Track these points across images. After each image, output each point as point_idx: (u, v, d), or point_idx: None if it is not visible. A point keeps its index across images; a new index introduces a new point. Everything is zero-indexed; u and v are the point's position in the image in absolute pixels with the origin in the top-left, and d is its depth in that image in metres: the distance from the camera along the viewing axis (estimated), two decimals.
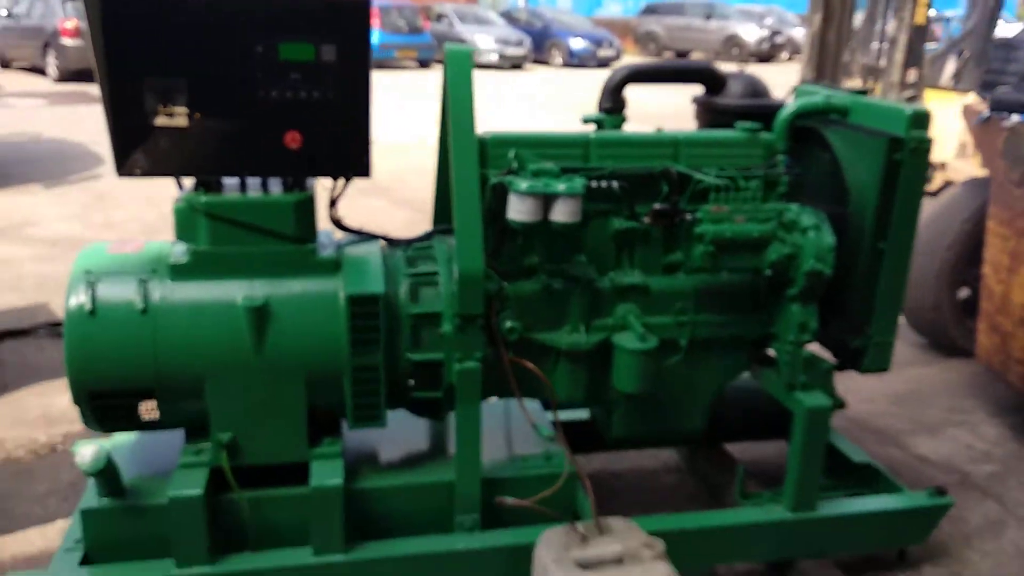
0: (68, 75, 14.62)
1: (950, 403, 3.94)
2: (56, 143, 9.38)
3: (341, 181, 2.33)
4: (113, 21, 2.00)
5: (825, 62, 5.66)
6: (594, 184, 2.32)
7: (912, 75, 5.24)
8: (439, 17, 22.78)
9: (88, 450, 2.14)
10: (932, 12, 7.41)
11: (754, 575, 2.68)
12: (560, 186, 2.19)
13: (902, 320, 4.47)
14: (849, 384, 4.00)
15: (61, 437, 3.28)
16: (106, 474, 2.20)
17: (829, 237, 2.35)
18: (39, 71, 15.42)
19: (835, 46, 5.59)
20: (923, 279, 4.29)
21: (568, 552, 2.12)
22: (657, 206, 2.38)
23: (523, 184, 2.18)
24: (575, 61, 21.93)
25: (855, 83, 5.62)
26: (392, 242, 2.47)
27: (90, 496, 2.28)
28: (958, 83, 5.75)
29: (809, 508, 2.55)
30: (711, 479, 3.04)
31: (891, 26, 5.22)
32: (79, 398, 2.19)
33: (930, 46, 6.45)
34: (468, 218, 2.21)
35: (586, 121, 2.57)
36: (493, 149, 2.34)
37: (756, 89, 2.67)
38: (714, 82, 2.68)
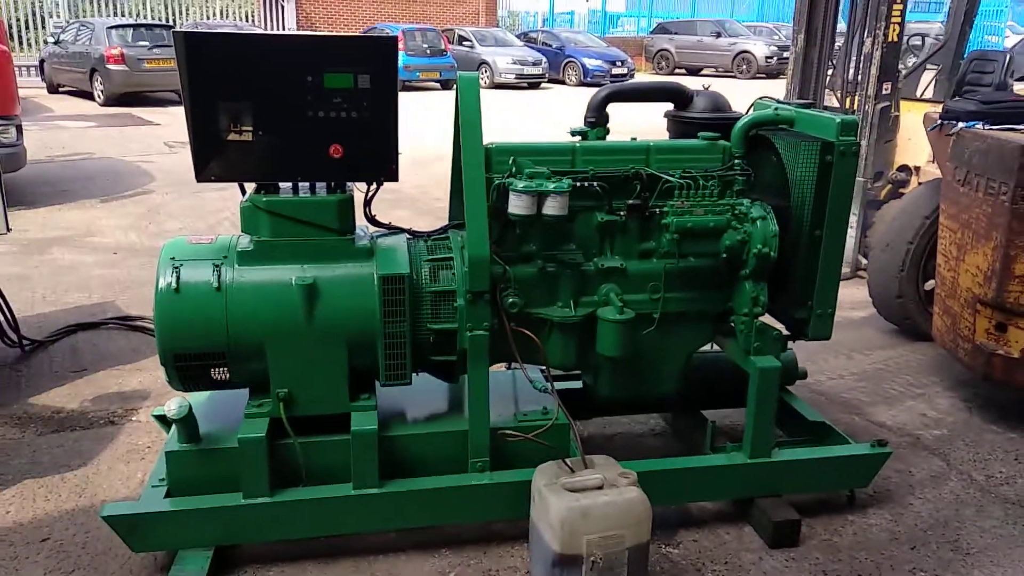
0: (113, 99, 15.42)
1: (911, 379, 4.41)
2: (108, 161, 10.11)
3: (374, 185, 2.87)
4: (195, 58, 2.56)
5: (808, 78, 6.16)
6: (578, 184, 2.84)
7: (886, 88, 5.72)
8: (460, 40, 23.48)
9: (174, 402, 2.69)
10: (922, 25, 7.88)
11: (721, 514, 3.15)
12: (550, 186, 2.72)
13: (872, 309, 4.97)
14: (821, 364, 4.50)
15: (135, 410, 3.84)
16: (187, 422, 2.74)
17: (774, 225, 2.86)
18: (86, 95, 16.24)
19: (817, 63, 6.10)
20: (889, 270, 4.77)
21: (558, 480, 2.63)
22: (631, 202, 2.90)
23: (520, 184, 2.71)
24: (590, 80, 22.54)
25: (835, 97, 6.10)
26: (415, 234, 3.01)
27: (172, 441, 2.82)
28: (933, 95, 6.23)
29: (765, 454, 3.03)
30: (690, 440, 3.53)
31: (867, 43, 5.70)
32: (166, 360, 2.72)
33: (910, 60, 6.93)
34: (476, 213, 2.73)
35: (573, 133, 3.10)
36: (496, 156, 2.86)
37: (717, 104, 3.19)
38: (682, 99, 3.20)
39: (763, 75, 24.26)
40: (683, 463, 3.05)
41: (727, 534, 3.04)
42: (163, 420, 3.01)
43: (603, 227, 2.96)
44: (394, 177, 2.79)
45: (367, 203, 2.92)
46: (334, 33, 18.69)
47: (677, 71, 26.31)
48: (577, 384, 3.47)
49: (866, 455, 3.13)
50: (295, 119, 2.64)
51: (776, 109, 3.08)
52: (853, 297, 5.60)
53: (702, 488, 3.07)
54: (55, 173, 9.32)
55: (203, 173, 2.67)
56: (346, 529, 2.84)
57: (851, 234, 6.01)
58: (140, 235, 6.85)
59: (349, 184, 2.87)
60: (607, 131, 3.15)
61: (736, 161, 3.01)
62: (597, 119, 3.12)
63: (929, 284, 4.79)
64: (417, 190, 8.53)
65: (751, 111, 3.19)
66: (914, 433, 3.83)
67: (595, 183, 2.87)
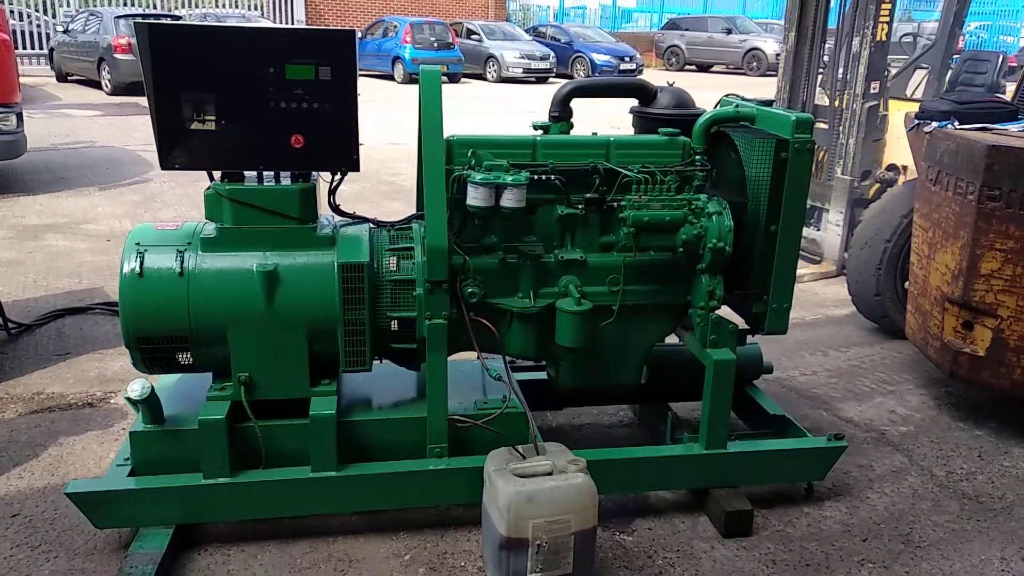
0: (121, 88, 15.57)
1: (884, 376, 4.44)
2: (110, 150, 10.24)
3: (338, 175, 2.93)
4: (158, 48, 2.62)
5: (799, 76, 6.18)
6: (537, 177, 2.88)
7: (875, 87, 5.74)
8: (468, 33, 23.52)
9: (137, 383, 2.76)
10: (914, 25, 7.87)
11: (678, 504, 3.20)
12: (508, 178, 2.77)
13: (853, 308, 4.99)
14: (797, 360, 4.55)
15: (114, 393, 3.92)
16: (150, 403, 2.82)
17: (729, 220, 2.90)
18: (94, 84, 16.40)
19: (808, 62, 6.11)
20: (868, 268, 4.80)
21: (508, 465, 2.68)
22: (589, 196, 2.95)
23: (477, 176, 2.77)
24: (598, 75, 22.53)
25: (825, 95, 6.12)
26: (378, 224, 3.06)
27: (137, 423, 2.89)
28: (923, 95, 6.23)
29: (720, 445, 3.07)
30: (656, 430, 3.58)
31: (855, 42, 5.72)
32: (130, 344, 2.79)
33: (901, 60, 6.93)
34: (435, 204, 2.78)
35: (536, 127, 3.14)
36: (457, 148, 2.91)
37: (680, 101, 3.23)
38: (645, 95, 3.24)
39: (773, 72, 24.07)
40: (639, 452, 3.10)
41: (682, 523, 3.09)
42: (133, 402, 3.07)
43: (563, 220, 3.01)
44: (355, 167, 2.85)
45: (331, 192, 2.98)
46: (294, 26, 18.75)
47: (687, 67, 26.27)
48: (544, 375, 3.53)
49: (822, 448, 3.17)
50: (257, 109, 2.70)
51: (737, 106, 3.12)
52: (837, 295, 5.64)
53: (657, 478, 3.12)
54: (56, 161, 9.44)
55: (167, 161, 2.74)
56: (304, 510, 2.91)
57: (837, 232, 6.05)
58: (134, 223, 6.83)
59: (315, 173, 2.93)
60: (571, 125, 3.20)
61: (696, 157, 3.05)
62: (561, 113, 3.17)
63: (907, 283, 4.81)
64: (413, 182, 8.55)
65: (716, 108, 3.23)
66: (880, 429, 3.87)
67: (554, 176, 2.92)
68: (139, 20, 2.61)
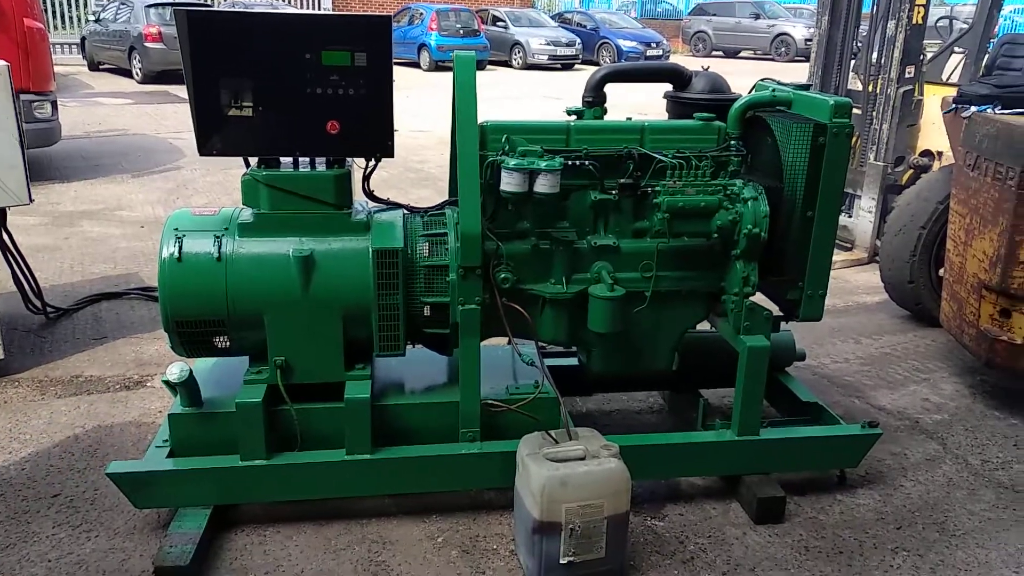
0: (151, 77, 15.70)
1: (917, 364, 4.39)
2: (141, 138, 10.36)
3: (372, 161, 2.94)
4: (197, 36, 2.64)
5: (832, 61, 6.11)
6: (571, 163, 2.88)
7: (910, 71, 5.65)
8: (494, 20, 23.43)
9: (176, 366, 2.81)
10: (947, 9, 7.74)
11: (710, 490, 3.20)
12: (542, 163, 2.77)
13: (886, 295, 4.95)
14: (829, 348, 4.52)
15: (150, 376, 3.98)
16: (188, 387, 2.86)
17: (764, 206, 2.88)
18: (125, 73, 16.57)
19: (841, 46, 6.03)
20: (902, 255, 4.74)
21: (541, 450, 2.70)
22: (623, 181, 2.94)
23: (512, 162, 2.77)
24: (624, 61, 22.37)
25: (859, 80, 6.03)
26: (412, 210, 3.08)
27: (176, 405, 2.94)
28: (960, 79, 6.13)
29: (753, 432, 3.07)
30: (686, 417, 3.57)
31: (890, 26, 5.63)
32: (168, 327, 2.83)
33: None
34: (469, 190, 2.79)
35: (569, 112, 3.14)
36: (491, 134, 2.91)
37: (715, 86, 3.20)
38: (680, 80, 3.22)
39: (802, 58, 23.79)
40: (671, 439, 3.10)
41: (713, 509, 3.09)
42: (171, 385, 3.12)
43: (596, 206, 3.00)
44: (390, 153, 2.86)
45: (365, 178, 2.99)
46: (333, 12, 18.73)
47: (714, 53, 26.00)
48: (574, 361, 3.53)
49: (855, 435, 3.15)
50: (293, 96, 2.72)
51: (773, 91, 3.09)
52: (869, 282, 5.58)
53: (689, 464, 3.11)
54: (90, 148, 9.57)
55: (205, 147, 2.77)
56: (338, 492, 2.95)
57: (869, 219, 5.98)
58: (167, 209, 7.01)
59: (350, 160, 2.95)
60: (604, 111, 3.18)
61: (731, 142, 3.03)
62: (594, 99, 3.16)
63: (942, 270, 4.75)
64: (440, 170, 8.58)
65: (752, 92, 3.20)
66: (914, 417, 3.83)
67: (588, 162, 2.91)
68: (176, 7, 2.63)
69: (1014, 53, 6.55)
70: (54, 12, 20.37)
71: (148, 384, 3.91)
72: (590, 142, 2.96)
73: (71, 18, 20.79)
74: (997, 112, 3.84)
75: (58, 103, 7.94)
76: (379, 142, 2.85)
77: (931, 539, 2.96)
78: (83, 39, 18.76)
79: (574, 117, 3.10)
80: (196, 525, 2.78)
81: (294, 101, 2.73)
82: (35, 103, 7.36)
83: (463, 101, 2.81)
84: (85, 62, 18.44)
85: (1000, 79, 4.65)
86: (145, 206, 7.18)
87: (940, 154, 5.77)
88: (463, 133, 2.81)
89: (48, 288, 4.86)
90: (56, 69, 8.44)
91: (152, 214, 6.90)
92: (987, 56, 6.42)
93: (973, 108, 3.97)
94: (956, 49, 6.45)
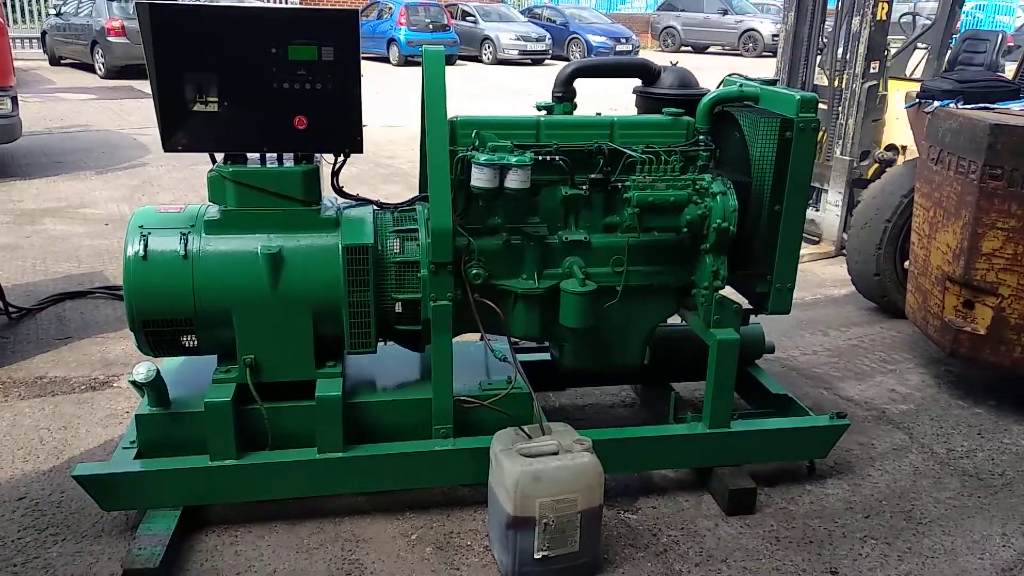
0: (115, 72, 15.40)
1: (883, 356, 4.46)
2: (105, 134, 10.18)
3: (341, 156, 2.91)
4: (160, 29, 2.60)
5: (798, 56, 6.17)
6: (541, 158, 2.88)
7: (874, 67, 5.72)
8: (464, 15, 23.35)
9: (143, 366, 2.76)
10: (910, 5, 7.86)
11: (683, 483, 3.22)
12: (512, 159, 2.76)
13: (852, 288, 5.01)
14: (797, 340, 4.57)
15: (116, 376, 3.92)
16: (155, 386, 2.82)
17: (733, 200, 2.90)
18: (87, 68, 16.25)
19: (807, 41, 6.09)
20: (868, 248, 4.81)
21: (514, 445, 2.70)
22: (593, 176, 2.95)
23: (482, 157, 2.76)
24: (594, 56, 22.40)
25: (824, 75, 6.10)
26: (382, 206, 3.06)
27: (143, 406, 2.89)
28: (923, 75, 6.22)
29: (724, 424, 3.09)
30: (658, 410, 3.60)
31: (855, 22, 5.70)
32: (135, 326, 2.78)
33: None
34: (439, 186, 2.77)
35: (539, 107, 3.13)
36: (461, 130, 2.90)
37: (684, 81, 3.22)
38: (649, 75, 3.23)
39: (769, 53, 24.01)
40: (643, 432, 3.12)
41: (686, 501, 3.11)
42: (137, 385, 3.08)
43: (567, 201, 3.01)
44: (359, 148, 2.84)
45: (334, 174, 2.97)
46: (299, 6, 18.57)
47: (683, 48, 26.14)
48: (547, 356, 3.53)
49: (824, 426, 3.19)
50: (260, 90, 2.69)
51: (741, 86, 3.11)
52: (836, 275, 5.65)
53: (661, 457, 3.13)
54: (52, 145, 9.38)
55: (169, 143, 2.73)
56: (310, 492, 2.92)
57: (836, 213, 6.05)
58: (132, 207, 6.89)
59: (318, 155, 2.92)
60: (574, 106, 3.18)
61: (700, 137, 3.04)
62: (564, 94, 3.16)
63: (907, 263, 4.82)
64: (411, 165, 8.53)
65: (720, 88, 3.23)
66: (880, 407, 3.89)
67: (558, 157, 2.91)
68: (139, 1, 2.58)
69: (976, 49, 6.69)
70: (13, 6, 19.96)
71: (114, 384, 3.85)
72: (560, 137, 2.96)
73: (31, 12, 20.38)
74: (959, 107, 3.90)
75: (18, 98, 7.78)
76: (348, 137, 2.82)
77: (898, 527, 3.01)
78: (43, 33, 18.37)
79: (544, 112, 3.10)
80: (165, 526, 2.74)
81: (261, 96, 2.70)
82: None
83: (432, 96, 2.80)
84: (46, 56, 18.07)
85: (962, 74, 4.73)
86: (109, 203, 7.06)
87: (904, 148, 5.85)
88: (433, 128, 2.79)
89: (10, 288, 4.75)
90: (16, 64, 8.26)
91: (116, 211, 6.78)
92: (949, 52, 6.53)
93: (936, 103, 4.03)
94: (919, 45, 6.55)
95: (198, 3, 2.64)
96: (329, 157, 2.94)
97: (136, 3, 2.57)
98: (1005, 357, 3.68)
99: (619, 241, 3.02)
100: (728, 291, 3.09)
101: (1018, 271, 3.53)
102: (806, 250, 6.07)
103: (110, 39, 15.26)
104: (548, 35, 22.66)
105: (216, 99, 2.67)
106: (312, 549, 2.79)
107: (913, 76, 6.44)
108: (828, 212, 6.14)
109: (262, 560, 2.73)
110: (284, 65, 2.67)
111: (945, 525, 3.03)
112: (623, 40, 23.50)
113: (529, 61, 22.19)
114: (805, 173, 2.93)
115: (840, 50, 5.99)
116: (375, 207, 3.04)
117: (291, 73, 2.68)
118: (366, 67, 19.46)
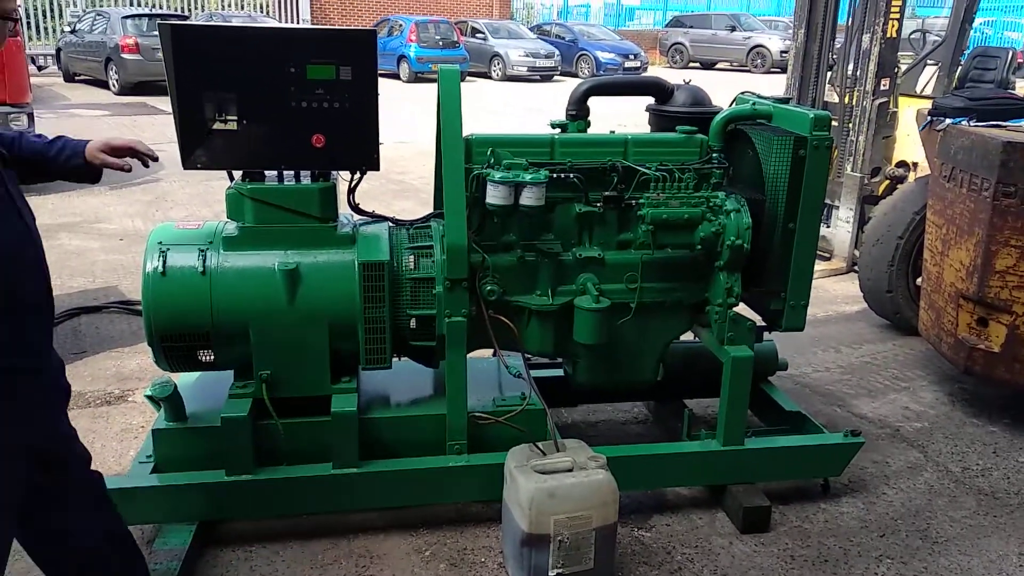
0: (128, 88, 15.56)
1: (896, 373, 4.45)
2: None
3: (357, 174, 2.94)
4: (181, 49, 2.64)
5: (808, 73, 6.19)
6: (555, 176, 2.90)
7: (885, 83, 5.74)
8: (473, 31, 23.50)
9: (160, 381, 2.79)
10: (918, 22, 7.87)
11: (696, 500, 3.22)
12: (527, 176, 2.78)
13: (865, 304, 5.00)
14: (810, 357, 4.56)
15: (131, 391, 3.94)
16: (172, 401, 2.84)
17: (747, 218, 2.91)
18: (101, 84, 16.41)
19: (818, 58, 6.12)
20: (880, 265, 4.81)
21: (529, 462, 2.70)
22: (607, 193, 2.97)
23: (497, 175, 2.78)
24: (603, 73, 22.49)
25: (835, 92, 6.12)
26: (397, 223, 3.08)
27: (159, 420, 2.91)
28: (933, 91, 6.23)
29: (737, 442, 3.09)
30: (671, 427, 3.60)
31: (865, 39, 5.72)
32: (152, 341, 2.81)
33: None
34: (454, 202, 2.80)
35: (553, 125, 3.16)
36: (476, 147, 2.93)
37: (697, 99, 3.24)
38: (662, 93, 3.25)
39: (777, 69, 24.05)
40: (656, 449, 3.12)
41: (700, 519, 3.11)
42: (154, 400, 3.10)
43: (581, 218, 3.02)
44: (375, 166, 2.87)
45: (351, 191, 2.99)
46: (317, 26, 18.74)
47: (691, 65, 26.22)
48: (560, 372, 3.54)
49: (838, 444, 3.19)
50: (278, 109, 2.71)
51: (754, 104, 3.13)
52: (848, 292, 5.64)
53: (675, 474, 3.13)
54: None
55: (189, 161, 2.76)
56: (325, 507, 2.94)
57: (847, 229, 6.05)
58: (146, 222, 6.97)
59: (334, 173, 2.95)
60: (588, 124, 3.21)
61: (714, 155, 3.06)
62: (578, 112, 3.19)
63: (920, 280, 4.82)
64: (422, 181, 8.58)
65: (733, 105, 3.25)
66: (894, 425, 3.88)
67: (572, 175, 2.93)
68: (161, 21, 2.62)
69: (986, 66, 6.69)
70: (29, 23, 20.20)
71: (130, 399, 3.87)
72: (574, 155, 2.99)
73: (46, 29, 20.62)
74: (971, 124, 3.91)
75: (34, 115, 7.86)
76: (364, 155, 2.85)
77: (914, 546, 2.99)
78: (58, 50, 18.59)
79: (558, 130, 3.13)
80: (181, 541, 2.75)
81: (279, 115, 2.72)
82: (11, 115, 7.29)
83: (448, 114, 2.83)
84: (60, 73, 18.26)
85: (973, 91, 4.74)
86: (124, 219, 7.12)
87: (915, 165, 5.86)
88: (449, 146, 2.82)
89: None
90: (31, 80, 8.35)
91: (131, 227, 6.84)
92: (960, 68, 6.54)
93: (948, 120, 4.04)
94: (929, 61, 6.56)
95: (218, 24, 2.68)
96: (345, 174, 2.97)
97: (159, 23, 2.61)
98: (1019, 375, 3.66)
99: (633, 258, 3.03)
100: (742, 308, 3.10)
101: None
102: (818, 266, 6.02)
103: (124, 56, 15.43)
104: (557, 52, 22.78)
105: (235, 117, 2.70)
106: (326, 565, 2.80)
107: (924, 93, 6.46)
108: (839, 228, 6.14)
109: (277, 575, 2.73)
110: (302, 84, 2.70)
111: (961, 544, 3.02)
112: (631, 57, 23.59)
113: (538, 77, 22.28)
114: (819, 191, 2.95)
115: (850, 67, 6.02)
116: (391, 224, 3.06)
117: (309, 92, 2.71)
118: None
